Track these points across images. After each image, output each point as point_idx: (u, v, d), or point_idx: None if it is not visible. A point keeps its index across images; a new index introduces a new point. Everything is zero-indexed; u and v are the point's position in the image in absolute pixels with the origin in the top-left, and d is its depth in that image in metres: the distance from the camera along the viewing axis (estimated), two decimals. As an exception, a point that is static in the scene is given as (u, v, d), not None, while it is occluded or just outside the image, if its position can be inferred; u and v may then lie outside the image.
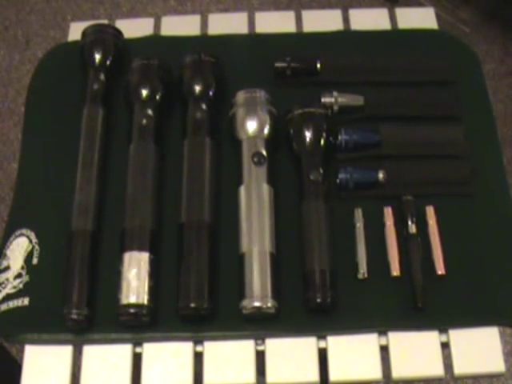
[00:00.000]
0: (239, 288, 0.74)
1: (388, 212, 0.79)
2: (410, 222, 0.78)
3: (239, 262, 0.75)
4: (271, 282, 0.73)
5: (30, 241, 0.79)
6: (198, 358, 0.74)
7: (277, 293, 0.73)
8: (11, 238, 0.80)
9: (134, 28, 0.96)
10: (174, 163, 0.82)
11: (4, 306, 0.76)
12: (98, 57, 0.87)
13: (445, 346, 0.74)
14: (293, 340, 0.74)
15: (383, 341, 0.74)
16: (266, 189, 0.78)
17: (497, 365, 0.73)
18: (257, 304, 0.72)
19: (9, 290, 0.77)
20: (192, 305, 0.72)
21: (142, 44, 0.94)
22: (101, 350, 0.74)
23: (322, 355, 0.73)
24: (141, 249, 0.75)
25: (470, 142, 0.85)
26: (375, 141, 0.83)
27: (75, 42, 0.92)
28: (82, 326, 0.74)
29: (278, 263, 0.75)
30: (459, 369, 0.73)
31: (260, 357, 0.74)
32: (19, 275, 0.77)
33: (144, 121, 0.83)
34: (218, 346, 0.74)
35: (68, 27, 0.99)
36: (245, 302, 0.72)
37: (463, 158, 0.84)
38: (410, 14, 0.99)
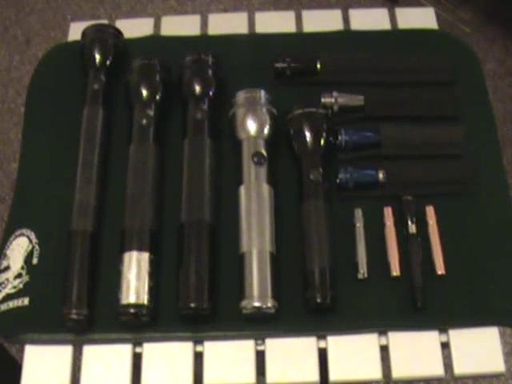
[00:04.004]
0: (239, 288, 0.74)
1: (388, 212, 0.79)
2: (410, 222, 0.78)
3: (239, 262, 0.75)
4: (271, 282, 0.73)
5: (30, 241, 0.79)
6: (198, 358, 0.74)
7: (277, 293, 0.73)
8: (11, 238, 0.80)
9: (134, 28, 0.96)
10: (174, 163, 0.82)
11: (4, 306, 0.76)
12: (98, 57, 0.87)
13: (445, 346, 0.74)
14: (293, 340, 0.74)
15: (383, 341, 0.74)
16: (266, 189, 0.78)
17: (497, 365, 0.73)
18: (257, 304, 0.72)
19: (9, 290, 0.77)
20: (192, 305, 0.72)
21: (142, 44, 0.94)
22: (101, 349, 0.74)
23: (322, 355, 0.73)
24: (141, 249, 0.75)
25: (469, 141, 0.85)
26: (375, 141, 0.83)
27: (75, 42, 0.92)
28: (82, 326, 0.74)
29: (278, 263, 0.75)
30: (459, 369, 0.73)
31: (260, 357, 0.74)
32: (19, 275, 0.77)
33: (144, 121, 0.83)
34: (218, 345, 0.74)
35: (68, 27, 0.99)
36: (245, 302, 0.72)
37: (463, 158, 0.84)
38: (410, 13, 0.99)
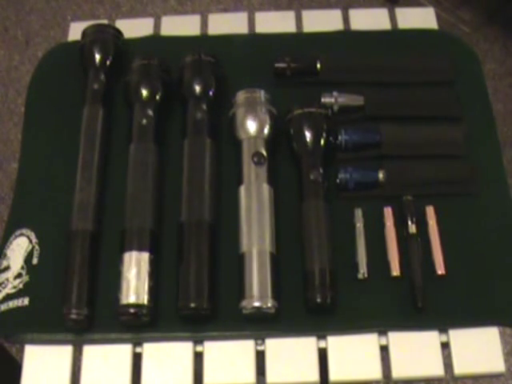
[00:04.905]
0: (239, 288, 0.73)
1: (388, 212, 0.79)
2: (410, 222, 0.78)
3: (239, 262, 0.75)
4: (271, 282, 0.73)
5: (30, 241, 0.79)
6: (198, 358, 0.74)
7: (277, 293, 0.73)
8: (11, 238, 0.80)
9: (134, 28, 0.96)
10: (174, 163, 0.82)
11: (4, 306, 0.76)
12: (98, 57, 0.87)
13: (445, 346, 0.74)
14: (293, 340, 0.74)
15: (383, 341, 0.74)
16: (266, 189, 0.78)
17: (497, 365, 0.73)
18: (257, 304, 0.72)
19: (9, 290, 0.77)
20: (192, 305, 0.72)
21: (142, 44, 0.94)
22: (101, 349, 0.74)
23: (322, 355, 0.73)
24: (141, 249, 0.75)
25: (469, 141, 0.85)
26: (375, 141, 0.83)
27: (75, 42, 0.92)
28: (82, 326, 0.74)
29: (278, 263, 0.75)
30: (459, 369, 0.73)
31: (260, 357, 0.74)
32: (19, 275, 0.77)
33: (144, 121, 0.83)
34: (218, 346, 0.74)
35: (68, 27, 0.99)
36: (245, 302, 0.72)
37: (463, 158, 0.84)
38: (409, 14, 0.99)
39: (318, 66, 0.89)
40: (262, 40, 0.95)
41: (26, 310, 0.75)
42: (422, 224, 0.79)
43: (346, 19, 0.98)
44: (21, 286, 0.77)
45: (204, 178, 0.79)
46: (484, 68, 0.94)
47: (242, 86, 0.84)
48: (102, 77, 0.87)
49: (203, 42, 0.96)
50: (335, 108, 0.86)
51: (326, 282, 0.73)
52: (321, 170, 0.79)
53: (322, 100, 0.86)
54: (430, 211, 0.79)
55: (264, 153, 0.80)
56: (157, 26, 0.98)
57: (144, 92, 0.84)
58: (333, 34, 0.95)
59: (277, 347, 0.74)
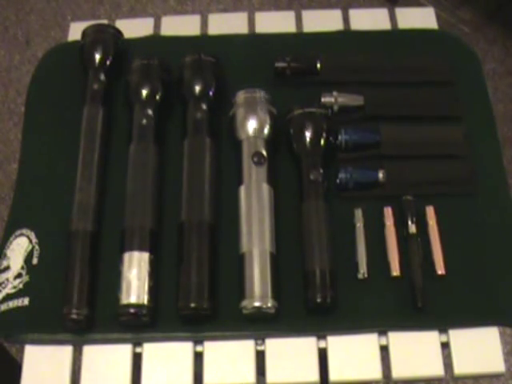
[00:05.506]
0: (239, 288, 0.74)
1: (388, 212, 0.79)
2: (410, 222, 0.78)
3: (239, 262, 0.75)
4: (271, 282, 0.73)
5: (30, 241, 0.79)
6: (198, 358, 0.74)
7: (277, 293, 0.73)
8: (11, 238, 0.80)
9: (134, 28, 0.96)
10: (174, 163, 0.82)
11: (4, 306, 0.76)
12: (98, 57, 0.87)
13: (445, 346, 0.74)
14: (293, 340, 0.74)
15: (383, 341, 0.74)
16: (266, 189, 0.78)
17: (497, 365, 0.73)
18: (257, 304, 0.72)
19: (9, 289, 0.77)
20: (192, 305, 0.72)
21: (142, 44, 0.94)
22: (101, 349, 0.74)
23: (322, 355, 0.73)
24: (141, 249, 0.75)
25: (469, 141, 0.85)
26: (375, 141, 0.83)
27: (75, 42, 0.92)
28: (82, 326, 0.74)
29: (278, 263, 0.75)
30: (459, 369, 0.73)
31: (260, 357, 0.74)
32: (19, 275, 0.77)
33: (144, 121, 0.83)
34: (218, 346, 0.74)
35: (68, 27, 0.99)
36: (245, 302, 0.72)
37: (463, 158, 0.84)
38: (410, 13, 0.99)
39: (318, 65, 0.89)
40: (262, 40, 0.95)
41: (26, 310, 0.75)
42: (422, 224, 0.79)
43: (346, 19, 0.98)
44: (21, 286, 0.77)
45: (204, 178, 0.79)
46: (484, 68, 0.94)
47: (242, 86, 0.84)
48: (102, 77, 0.87)
49: (203, 41, 0.96)
50: (335, 108, 0.86)
51: (326, 281, 0.73)
52: (321, 170, 0.79)
53: (322, 100, 0.86)
54: (430, 211, 0.79)
55: (264, 153, 0.80)
56: (157, 25, 0.98)
57: (144, 92, 0.84)
58: (333, 34, 0.95)
59: (277, 347, 0.74)
